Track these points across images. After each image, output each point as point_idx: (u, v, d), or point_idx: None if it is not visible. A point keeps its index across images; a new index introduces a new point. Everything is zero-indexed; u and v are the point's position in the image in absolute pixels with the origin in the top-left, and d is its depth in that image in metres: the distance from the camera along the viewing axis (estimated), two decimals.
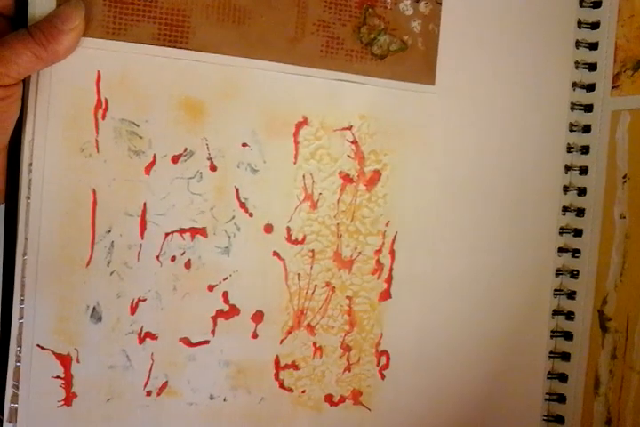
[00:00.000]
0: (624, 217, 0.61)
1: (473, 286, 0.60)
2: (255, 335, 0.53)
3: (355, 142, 0.55)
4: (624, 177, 0.62)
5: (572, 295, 0.64)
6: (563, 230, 0.64)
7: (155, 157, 0.50)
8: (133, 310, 0.50)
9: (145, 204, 0.50)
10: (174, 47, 0.50)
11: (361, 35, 0.55)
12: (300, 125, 0.54)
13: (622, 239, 0.61)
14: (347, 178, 0.55)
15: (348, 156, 0.55)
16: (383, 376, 0.57)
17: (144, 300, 0.50)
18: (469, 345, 0.60)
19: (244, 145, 0.52)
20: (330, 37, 0.54)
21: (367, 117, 0.55)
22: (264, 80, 0.52)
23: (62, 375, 0.49)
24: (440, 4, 0.57)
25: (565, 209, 0.64)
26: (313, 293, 0.54)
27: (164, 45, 0.50)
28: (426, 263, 0.58)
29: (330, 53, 0.54)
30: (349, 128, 0.55)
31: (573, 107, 0.64)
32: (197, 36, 0.51)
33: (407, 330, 0.58)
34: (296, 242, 0.54)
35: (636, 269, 0.60)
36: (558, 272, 0.64)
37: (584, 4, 0.64)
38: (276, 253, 0.53)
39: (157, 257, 0.50)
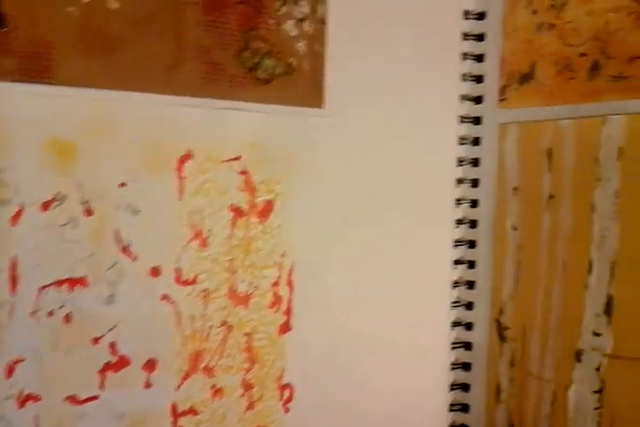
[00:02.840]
0: (516, 228, 0.58)
1: (372, 306, 0.56)
2: (148, 385, 0.47)
3: (244, 173, 0.49)
4: (514, 189, 0.58)
5: (469, 306, 0.60)
6: (457, 243, 0.60)
7: (22, 205, 0.42)
8: (10, 372, 0.43)
9: (14, 257, 0.42)
10: (37, 83, 0.42)
11: (244, 59, 0.48)
12: (183, 159, 0.47)
13: (515, 250, 0.58)
14: (238, 211, 0.49)
15: (238, 188, 0.49)
16: (287, 410, 0.52)
17: (21, 360, 0.43)
18: (372, 365, 0.56)
19: (122, 185, 0.45)
20: (210, 63, 0.47)
21: (256, 146, 0.49)
22: (140, 113, 0.45)
23: None
24: (324, 23, 0.51)
25: (459, 221, 0.60)
26: (208, 334, 0.48)
27: (25, 81, 0.42)
28: (326, 290, 0.53)
29: (212, 80, 0.47)
30: (237, 158, 0.49)
31: (462, 120, 0.59)
32: (63, 68, 0.43)
33: (310, 360, 0.53)
34: (187, 283, 0.47)
35: (530, 279, 0.57)
36: (455, 284, 0.60)
37: (469, 16, 0.59)
38: (165, 297, 0.47)
39: (32, 314, 0.43)
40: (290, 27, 0.50)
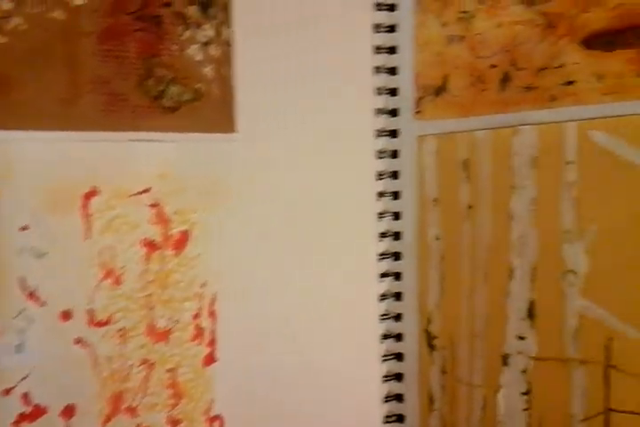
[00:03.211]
0: (439, 239, 0.57)
1: (301, 327, 0.55)
2: None
3: (155, 205, 0.47)
4: (434, 200, 0.57)
5: (398, 318, 0.60)
6: (382, 256, 0.59)
7: None
8: None
9: None
10: None
11: (148, 88, 0.46)
12: (88, 197, 0.44)
13: (439, 260, 0.57)
14: (151, 245, 0.47)
15: (149, 221, 0.46)
16: None
17: None
18: (303, 386, 0.55)
19: (24, 228, 0.42)
20: (111, 94, 0.44)
21: (167, 176, 0.47)
22: (37, 153, 0.42)
23: None
24: (230, 45, 0.49)
25: (382, 234, 0.59)
26: (128, 374, 0.46)
27: None
28: (251, 316, 0.51)
29: (113, 112, 0.44)
30: (147, 191, 0.46)
31: (379, 133, 0.58)
32: None
33: (239, 388, 0.51)
34: (101, 324, 0.45)
35: (454, 287, 0.57)
36: (383, 297, 0.59)
37: (379, 29, 0.58)
38: (79, 340, 0.44)
39: None
40: (194, 51, 0.47)
